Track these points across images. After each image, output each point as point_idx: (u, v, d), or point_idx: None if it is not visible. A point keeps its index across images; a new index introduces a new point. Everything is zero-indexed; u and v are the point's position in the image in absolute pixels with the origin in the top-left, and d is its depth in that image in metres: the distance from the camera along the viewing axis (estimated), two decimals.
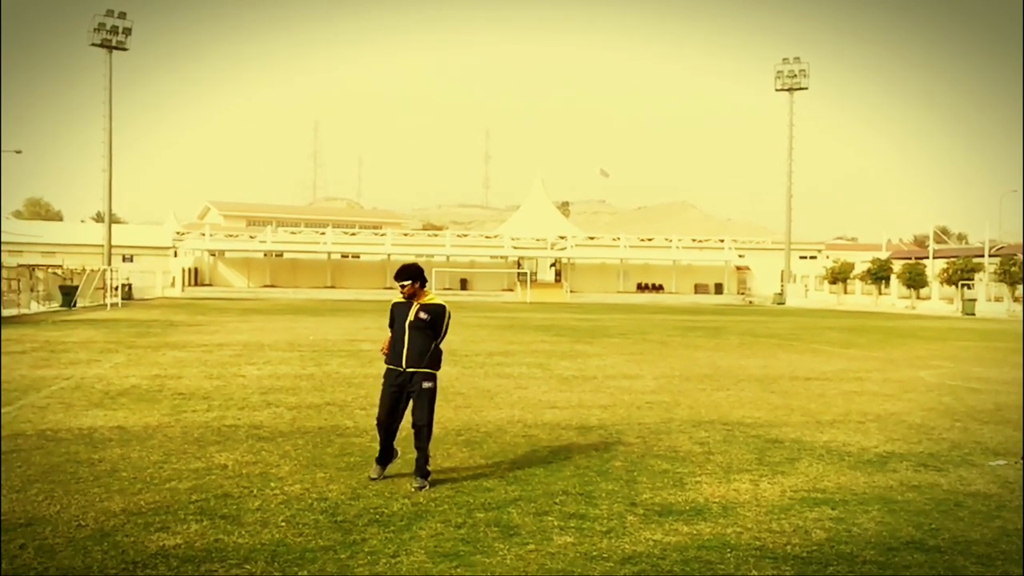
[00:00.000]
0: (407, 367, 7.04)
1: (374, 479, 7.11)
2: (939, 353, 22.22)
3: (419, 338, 7.04)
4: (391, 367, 7.15)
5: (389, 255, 71.75)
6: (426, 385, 7.03)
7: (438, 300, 7.20)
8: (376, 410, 7.31)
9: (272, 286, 70.32)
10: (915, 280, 61.05)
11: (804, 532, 5.94)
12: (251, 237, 77.02)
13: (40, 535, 5.56)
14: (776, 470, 7.86)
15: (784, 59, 74.13)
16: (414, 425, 7.04)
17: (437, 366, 7.17)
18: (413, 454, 7.15)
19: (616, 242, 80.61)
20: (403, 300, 7.19)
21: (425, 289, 7.23)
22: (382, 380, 7.28)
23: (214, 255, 72.26)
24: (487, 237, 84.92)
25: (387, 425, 7.13)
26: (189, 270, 69.67)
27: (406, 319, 7.08)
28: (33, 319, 31.58)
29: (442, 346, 7.25)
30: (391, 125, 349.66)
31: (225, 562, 5.12)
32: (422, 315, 7.05)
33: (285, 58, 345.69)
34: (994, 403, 12.65)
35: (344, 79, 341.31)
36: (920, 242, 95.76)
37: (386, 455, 7.24)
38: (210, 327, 27.93)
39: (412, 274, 7.14)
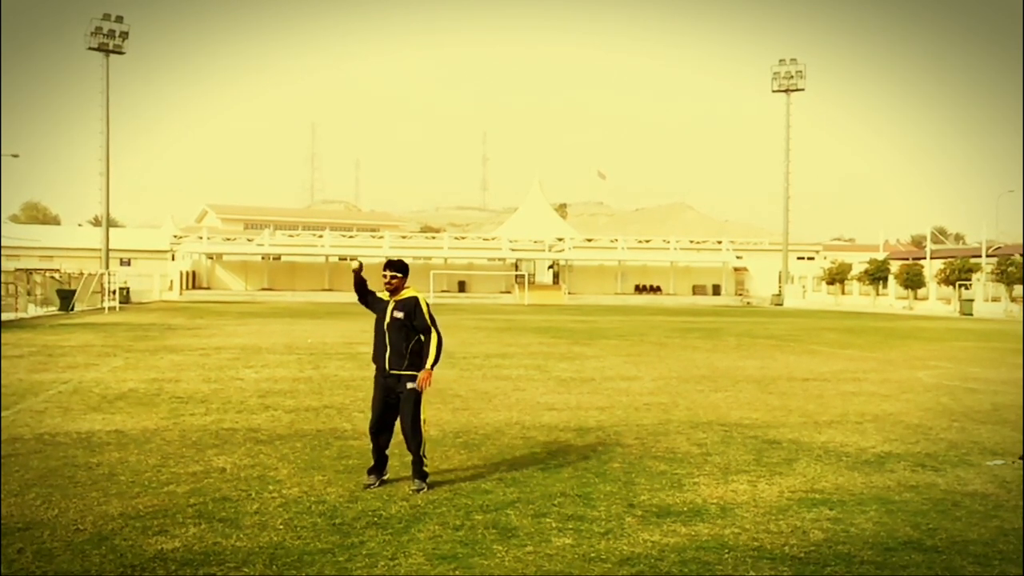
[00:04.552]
0: (390, 370, 6.98)
1: (369, 487, 6.99)
2: (937, 353, 22.25)
3: (398, 339, 6.93)
4: (378, 367, 7.11)
5: (387, 258, 71.56)
6: (411, 386, 6.93)
7: (411, 293, 7.07)
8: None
9: (270, 289, 70.28)
10: (913, 280, 61.11)
11: (802, 532, 5.95)
12: (249, 240, 76.98)
13: (38, 539, 5.56)
14: (774, 471, 7.87)
15: (780, 60, 74.15)
16: (402, 428, 7.00)
17: (422, 366, 6.96)
18: (407, 457, 7.15)
19: (614, 244, 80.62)
20: (384, 299, 7.10)
21: (405, 286, 7.13)
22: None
23: (212, 258, 72.21)
24: (485, 239, 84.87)
25: (376, 431, 7.05)
26: (187, 273, 69.63)
27: (384, 321, 7.01)
28: (31, 323, 31.54)
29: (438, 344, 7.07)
30: (388, 127, 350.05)
31: (223, 565, 5.12)
32: (396, 314, 6.95)
33: (282, 60, 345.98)
34: (991, 403, 12.66)
35: (341, 81, 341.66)
36: (917, 242, 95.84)
37: (378, 466, 7.12)
38: (208, 330, 27.92)
39: (401, 267, 7.09)
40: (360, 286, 7.24)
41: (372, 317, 7.30)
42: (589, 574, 5.09)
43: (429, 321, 6.98)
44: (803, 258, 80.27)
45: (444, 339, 7.14)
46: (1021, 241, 63.62)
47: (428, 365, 6.90)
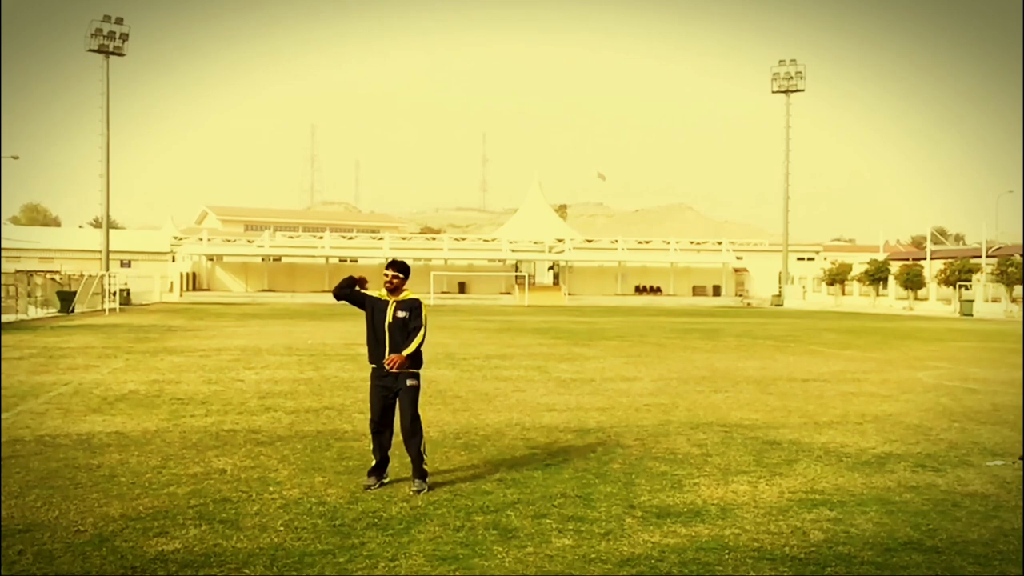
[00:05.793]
0: (390, 368, 7.04)
1: (369, 488, 7.01)
2: (937, 354, 22.25)
3: (400, 338, 7.03)
4: (375, 366, 7.15)
5: (387, 259, 71.56)
6: (410, 383, 7.04)
7: (411, 295, 7.21)
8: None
9: (270, 290, 70.25)
10: (913, 281, 61.11)
11: (802, 533, 5.96)
12: (249, 241, 76.92)
13: (39, 540, 5.56)
14: (774, 471, 7.87)
15: (780, 61, 74.06)
16: (401, 425, 7.03)
17: (419, 364, 7.14)
18: (407, 458, 7.15)
19: (614, 244, 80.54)
20: (382, 298, 7.18)
21: (404, 288, 7.23)
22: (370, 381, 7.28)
23: (212, 260, 72.20)
24: (485, 240, 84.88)
25: (380, 429, 7.11)
26: (187, 275, 69.61)
27: (384, 320, 7.08)
28: (31, 325, 31.56)
29: (438, 348, 7.20)
30: (388, 128, 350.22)
31: (224, 566, 5.12)
32: (400, 313, 7.07)
33: (282, 61, 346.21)
34: (991, 403, 12.67)
35: (341, 83, 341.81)
36: (918, 243, 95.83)
37: (378, 467, 7.15)
38: (208, 332, 27.93)
39: (403, 268, 7.21)
40: (351, 286, 7.32)
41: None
42: (589, 575, 5.10)
43: (423, 322, 7.17)
44: (803, 259, 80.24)
45: (445, 340, 7.20)
46: (1021, 241, 63.62)
47: (405, 352, 7.00)
